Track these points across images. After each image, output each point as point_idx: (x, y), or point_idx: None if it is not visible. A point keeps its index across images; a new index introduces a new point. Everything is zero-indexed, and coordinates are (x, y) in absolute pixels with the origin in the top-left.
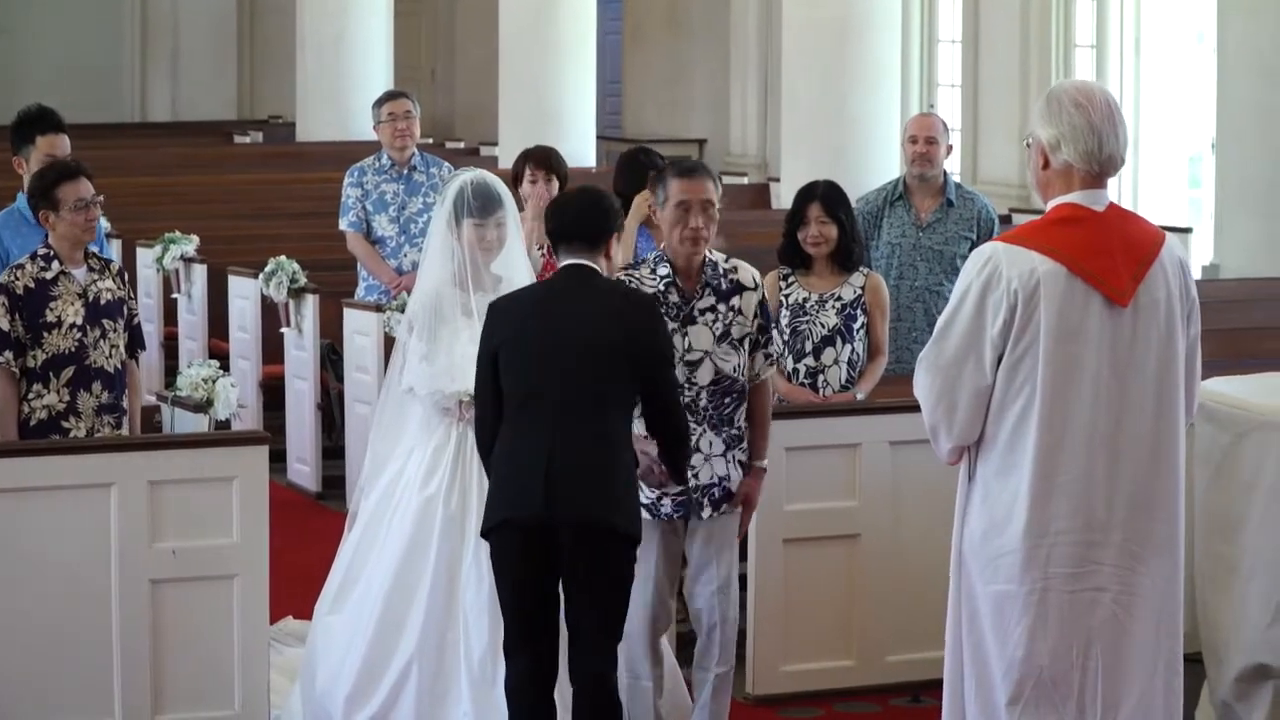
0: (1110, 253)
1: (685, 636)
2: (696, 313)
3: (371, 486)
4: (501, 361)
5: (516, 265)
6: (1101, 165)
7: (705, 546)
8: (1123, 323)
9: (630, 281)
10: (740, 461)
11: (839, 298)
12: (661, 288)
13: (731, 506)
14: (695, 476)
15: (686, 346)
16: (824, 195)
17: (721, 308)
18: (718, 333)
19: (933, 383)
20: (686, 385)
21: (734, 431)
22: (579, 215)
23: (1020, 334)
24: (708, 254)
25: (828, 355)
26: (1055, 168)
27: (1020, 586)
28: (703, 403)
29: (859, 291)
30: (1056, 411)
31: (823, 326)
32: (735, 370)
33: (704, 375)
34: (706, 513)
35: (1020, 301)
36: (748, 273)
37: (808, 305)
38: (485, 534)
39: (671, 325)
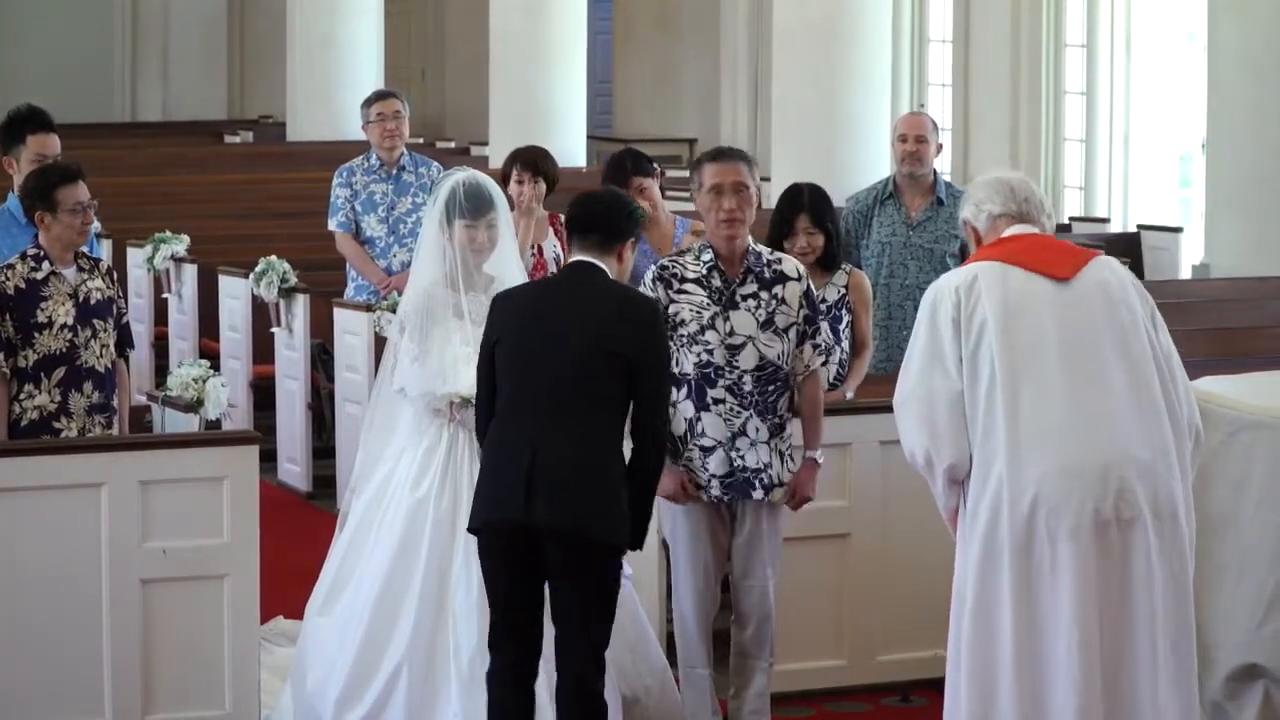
0: (1046, 249)
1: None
2: (739, 298)
3: (362, 487)
4: (498, 358)
5: (508, 266)
6: (1020, 207)
7: (750, 541)
8: (1070, 293)
9: (674, 266)
10: (782, 452)
11: (823, 300)
12: (705, 272)
13: (781, 498)
14: (743, 458)
15: (728, 330)
16: (811, 205)
17: (764, 295)
18: (760, 319)
19: (911, 409)
20: (728, 368)
21: (776, 420)
22: (601, 210)
23: (969, 323)
24: (751, 244)
25: None
26: (984, 230)
27: (1017, 560)
28: (747, 387)
29: (842, 291)
30: (1022, 379)
31: None
32: (779, 358)
33: (747, 359)
34: (758, 494)
35: (962, 297)
36: (791, 264)
37: None
38: (471, 530)
39: (714, 309)
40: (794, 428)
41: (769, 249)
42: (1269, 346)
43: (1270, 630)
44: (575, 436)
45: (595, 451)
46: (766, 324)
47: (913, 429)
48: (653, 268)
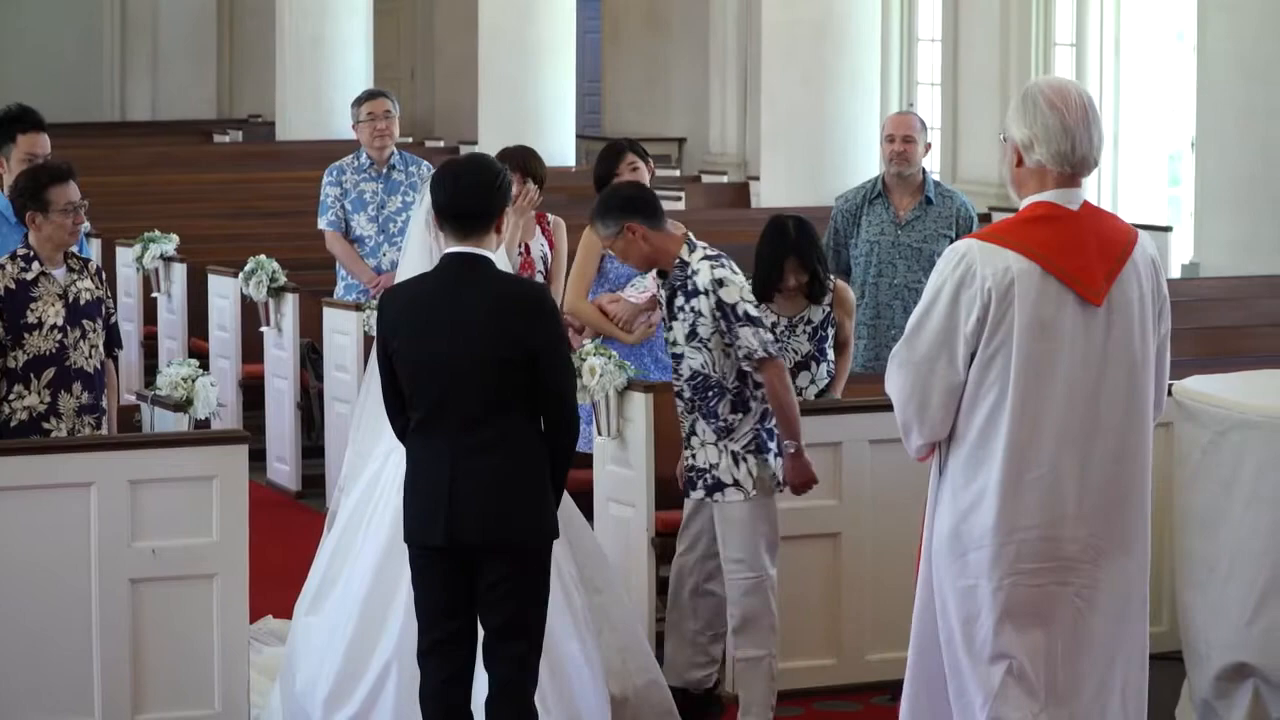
0: (1084, 251)
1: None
2: (675, 310)
3: (351, 486)
4: (398, 369)
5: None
6: (1074, 166)
7: (715, 531)
8: (1096, 321)
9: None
10: (734, 452)
11: (809, 320)
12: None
13: (735, 498)
14: (694, 458)
15: (672, 340)
16: (797, 246)
17: (687, 308)
18: (684, 333)
19: (905, 379)
20: (676, 375)
21: (721, 423)
22: (475, 188)
23: (993, 332)
24: (683, 253)
25: (803, 379)
26: (1029, 167)
27: (988, 581)
28: (687, 394)
29: (828, 309)
30: (1028, 409)
31: (795, 352)
32: (704, 367)
33: (685, 368)
34: (697, 494)
35: (994, 300)
36: (703, 277)
37: (778, 330)
38: (405, 541)
39: (667, 319)
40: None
41: (701, 254)
42: (1258, 345)
43: (1260, 628)
44: (492, 447)
45: (514, 456)
46: (690, 335)
47: (903, 392)
48: None
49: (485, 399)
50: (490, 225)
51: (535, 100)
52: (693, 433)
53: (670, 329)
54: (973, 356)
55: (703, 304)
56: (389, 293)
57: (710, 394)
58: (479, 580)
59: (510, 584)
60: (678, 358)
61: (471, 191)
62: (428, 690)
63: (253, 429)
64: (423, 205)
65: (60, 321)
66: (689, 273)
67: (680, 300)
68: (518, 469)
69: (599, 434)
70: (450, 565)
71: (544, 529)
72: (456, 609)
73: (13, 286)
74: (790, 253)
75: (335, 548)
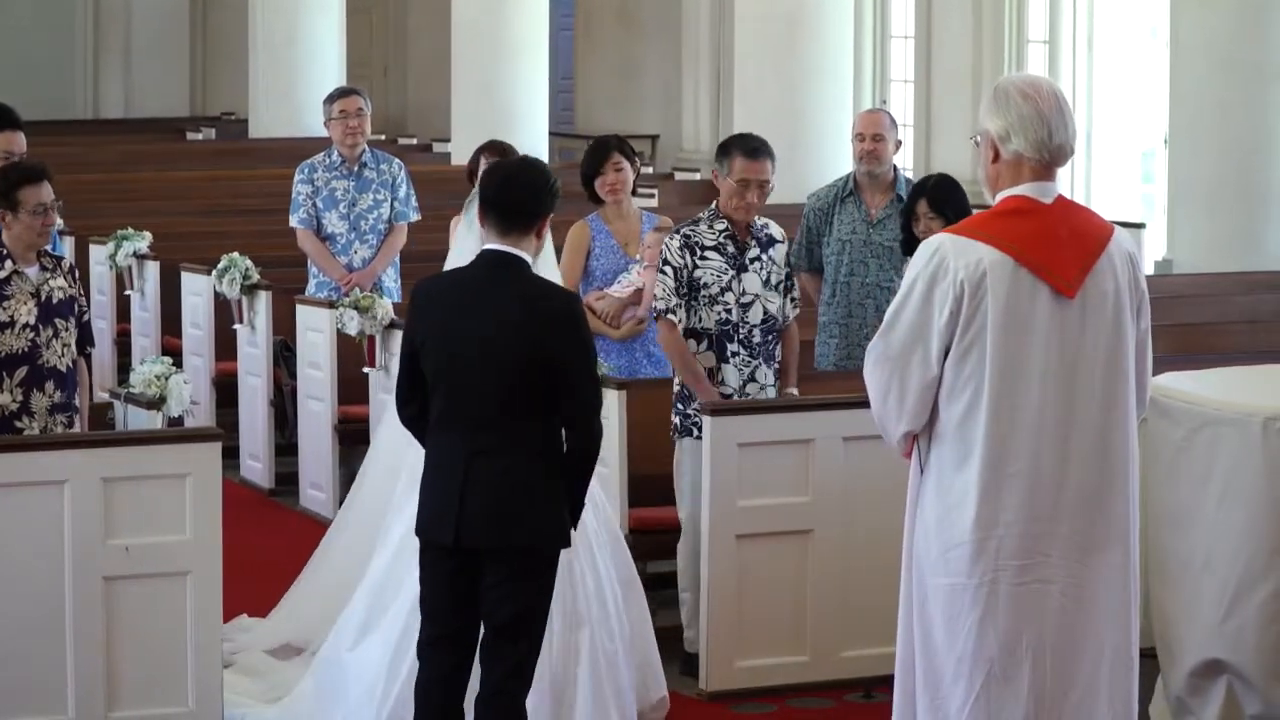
0: (1058, 244)
1: (663, 631)
2: (748, 261)
3: (406, 502)
4: (424, 364)
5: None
6: (1052, 154)
7: None
8: (1070, 314)
9: (695, 235)
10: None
11: None
12: (720, 239)
13: None
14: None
15: (741, 290)
16: (930, 192)
17: (764, 257)
18: (764, 278)
19: (881, 373)
20: (740, 324)
21: (775, 365)
22: (523, 187)
23: (967, 325)
24: None
25: None
26: (1005, 159)
27: (970, 579)
28: (756, 339)
29: None
30: (1004, 403)
31: None
32: (778, 311)
33: (755, 315)
34: None
35: (966, 293)
36: (778, 228)
37: None
38: (417, 534)
39: (730, 273)
40: None
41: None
42: (1231, 342)
43: (1233, 625)
44: (506, 450)
45: (527, 459)
46: (767, 282)
47: (881, 390)
48: (677, 235)
49: (502, 399)
50: (532, 227)
51: (508, 97)
52: (752, 379)
53: (739, 281)
54: (948, 351)
55: (779, 251)
56: (423, 282)
57: (771, 338)
58: (483, 579)
59: (512, 585)
60: (747, 306)
61: (522, 187)
62: (424, 682)
63: (226, 426)
64: (470, 214)
65: (32, 320)
66: (759, 225)
67: (756, 252)
68: (529, 473)
69: None
70: (457, 563)
71: (551, 534)
72: (460, 605)
73: None
74: (923, 195)
75: (388, 572)
